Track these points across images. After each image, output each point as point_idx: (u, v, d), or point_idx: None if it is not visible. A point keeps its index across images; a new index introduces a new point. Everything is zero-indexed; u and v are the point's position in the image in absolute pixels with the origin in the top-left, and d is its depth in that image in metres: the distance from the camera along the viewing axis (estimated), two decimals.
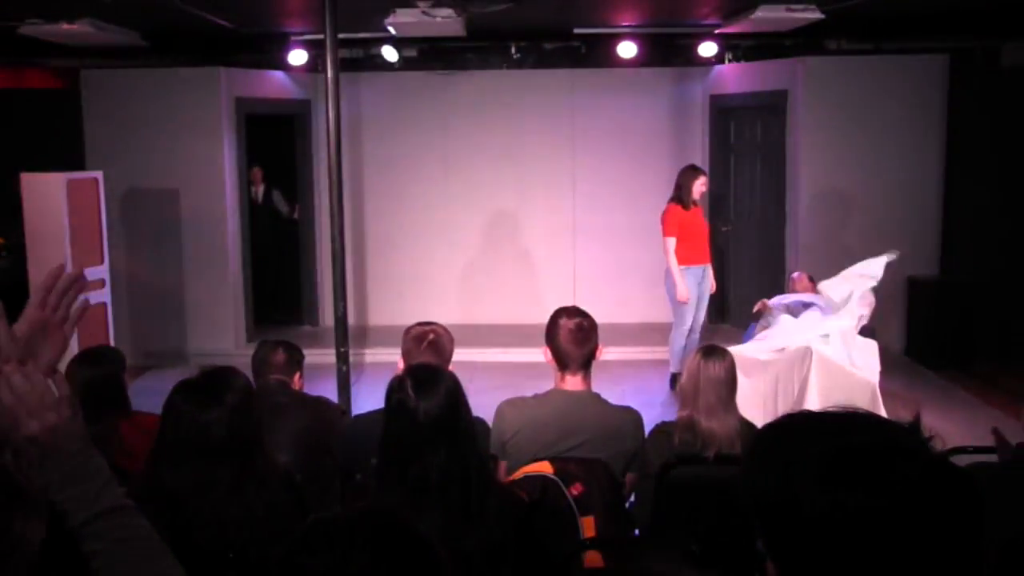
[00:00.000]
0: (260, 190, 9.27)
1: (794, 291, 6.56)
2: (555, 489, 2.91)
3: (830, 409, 1.15)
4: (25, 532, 1.43)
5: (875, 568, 1.01)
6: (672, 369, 7.20)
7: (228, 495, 2.33)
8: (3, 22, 6.63)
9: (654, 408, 6.75)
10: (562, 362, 3.22)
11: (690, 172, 7.10)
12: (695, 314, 7.14)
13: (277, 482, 2.50)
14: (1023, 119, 7.91)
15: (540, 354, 3.33)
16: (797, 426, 1.15)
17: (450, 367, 3.14)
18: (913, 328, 8.20)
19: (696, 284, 7.09)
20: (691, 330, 7.17)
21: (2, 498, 1.40)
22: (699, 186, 7.04)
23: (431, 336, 3.34)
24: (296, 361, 3.83)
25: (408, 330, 3.46)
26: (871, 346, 5.89)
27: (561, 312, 3.32)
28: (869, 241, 8.22)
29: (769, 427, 1.17)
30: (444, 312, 9.03)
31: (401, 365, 3.36)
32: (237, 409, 2.39)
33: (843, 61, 8.37)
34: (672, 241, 6.97)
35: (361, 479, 3.13)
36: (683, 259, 6.99)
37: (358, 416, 3.70)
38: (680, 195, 7.05)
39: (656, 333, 8.64)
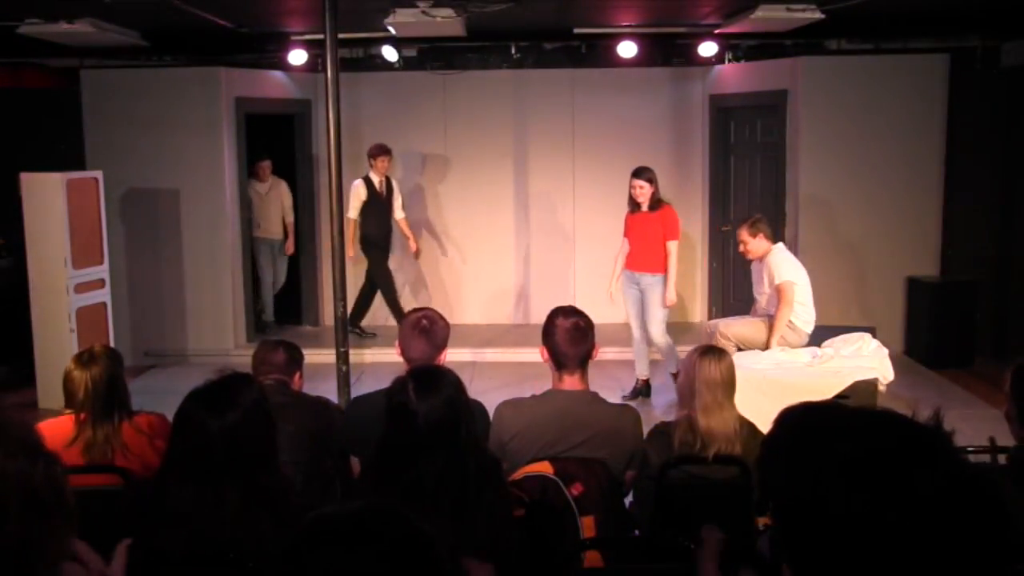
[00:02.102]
0: (382, 181, 8.41)
1: (745, 252, 6.36)
2: (555, 489, 2.91)
3: (856, 407, 1.11)
4: (44, 540, 1.44)
5: (894, 571, 0.99)
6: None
7: (235, 515, 2.28)
8: (3, 22, 6.63)
9: (654, 408, 6.77)
10: (559, 362, 3.22)
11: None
12: (636, 320, 6.94)
13: (286, 497, 2.45)
14: (1023, 119, 7.91)
15: (540, 354, 3.33)
16: (821, 422, 1.11)
17: (448, 364, 3.14)
18: (913, 328, 8.20)
19: (630, 289, 6.91)
20: (642, 338, 6.98)
21: (19, 506, 1.41)
22: (633, 190, 6.81)
23: (423, 323, 3.32)
24: (296, 361, 3.83)
25: (407, 315, 3.50)
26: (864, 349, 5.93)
27: (558, 312, 3.31)
28: (869, 241, 8.25)
29: (790, 421, 1.13)
30: (444, 312, 9.03)
31: (398, 351, 3.37)
32: (241, 425, 2.34)
33: (843, 61, 8.37)
34: (623, 242, 6.96)
35: (359, 467, 3.13)
36: (625, 262, 6.93)
37: (358, 398, 3.69)
38: None
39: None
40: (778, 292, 6.13)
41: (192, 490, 2.27)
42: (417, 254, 8.79)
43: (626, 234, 6.94)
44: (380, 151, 8.33)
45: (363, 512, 1.22)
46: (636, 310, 6.91)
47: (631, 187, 6.81)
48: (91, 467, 3.20)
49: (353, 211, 8.25)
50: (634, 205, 6.85)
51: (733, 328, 6.40)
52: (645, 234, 6.81)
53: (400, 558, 1.16)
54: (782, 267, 6.20)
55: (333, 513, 1.23)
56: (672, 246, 6.75)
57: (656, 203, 6.79)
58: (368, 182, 8.34)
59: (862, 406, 1.12)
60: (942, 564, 0.98)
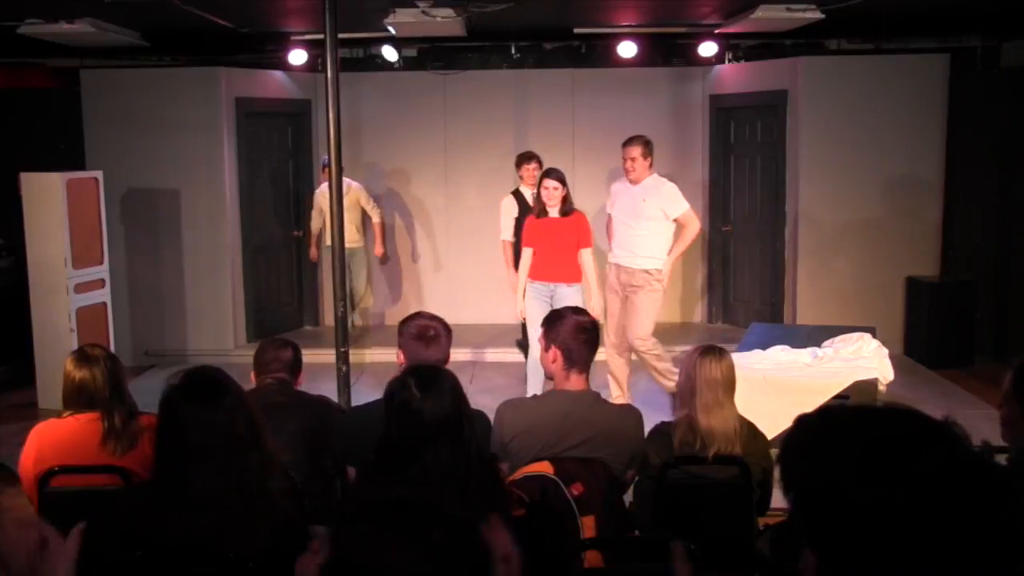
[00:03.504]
0: (536, 194, 7.32)
1: (631, 170, 6.28)
2: (555, 489, 2.91)
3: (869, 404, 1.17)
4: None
5: (918, 556, 1.02)
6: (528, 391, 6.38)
7: (255, 491, 2.33)
8: (3, 22, 6.63)
9: (654, 408, 6.76)
10: (570, 359, 3.23)
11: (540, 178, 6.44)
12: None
13: (280, 472, 2.52)
14: (1023, 119, 7.91)
15: (545, 359, 3.34)
16: (838, 417, 1.16)
17: (451, 366, 3.14)
18: (913, 328, 8.20)
19: (540, 301, 6.28)
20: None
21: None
22: (544, 191, 6.26)
23: (431, 332, 3.31)
24: (300, 362, 3.84)
25: (407, 323, 3.37)
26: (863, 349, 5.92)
27: (569, 311, 3.39)
28: (869, 241, 8.25)
29: (809, 419, 1.18)
30: (444, 312, 9.02)
31: (401, 359, 3.35)
32: (241, 404, 2.40)
33: (843, 61, 8.37)
34: (525, 252, 6.39)
35: (355, 475, 3.12)
36: (531, 272, 6.34)
37: (354, 408, 3.69)
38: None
39: (655, 334, 8.63)
40: (686, 220, 6.27)
41: (215, 468, 2.27)
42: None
43: (530, 242, 6.35)
44: (525, 159, 7.41)
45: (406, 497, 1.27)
46: None
47: (541, 187, 6.27)
48: (91, 467, 3.20)
49: (506, 231, 7.29)
50: (541, 210, 6.31)
51: (641, 331, 6.32)
52: (558, 242, 6.28)
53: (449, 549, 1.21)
54: (679, 198, 6.28)
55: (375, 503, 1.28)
56: (587, 254, 6.31)
57: (569, 208, 6.31)
58: (518, 196, 7.37)
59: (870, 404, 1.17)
60: (955, 546, 1.02)
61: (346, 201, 7.99)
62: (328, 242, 7.96)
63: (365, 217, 8.50)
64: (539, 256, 6.30)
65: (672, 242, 6.35)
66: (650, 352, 6.38)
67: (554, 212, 6.27)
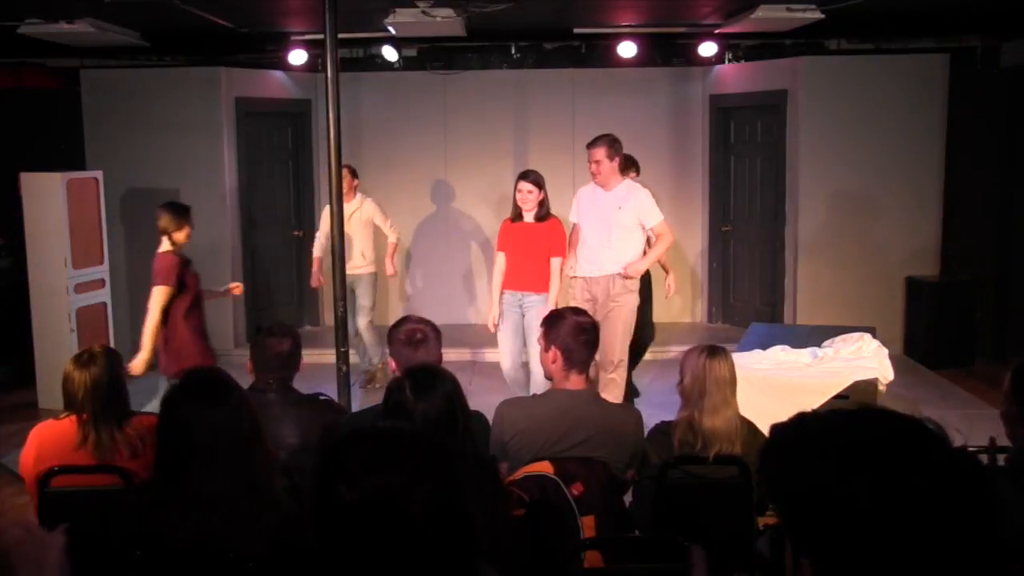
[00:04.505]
0: None
1: (597, 173, 5.83)
2: (555, 489, 2.91)
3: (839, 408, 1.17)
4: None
5: (905, 550, 1.03)
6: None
7: (262, 489, 2.33)
8: (3, 22, 6.63)
9: (653, 408, 6.75)
10: (570, 360, 3.24)
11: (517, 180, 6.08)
12: (521, 347, 6.08)
13: (280, 471, 2.53)
14: (1023, 119, 7.91)
15: (545, 360, 3.34)
16: (812, 424, 1.16)
17: (447, 364, 3.14)
18: (913, 328, 8.20)
19: (511, 313, 6.02)
20: (526, 364, 6.09)
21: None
22: (519, 194, 5.97)
23: (417, 335, 3.29)
24: (299, 347, 3.67)
25: (396, 329, 3.35)
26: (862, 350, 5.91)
27: (569, 311, 3.40)
28: (869, 241, 8.25)
29: (783, 429, 1.17)
30: (445, 312, 9.05)
31: (393, 366, 3.34)
32: (244, 403, 2.40)
33: (843, 61, 8.37)
34: (499, 257, 6.15)
35: None
36: (505, 280, 6.06)
37: (354, 414, 3.68)
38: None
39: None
40: (661, 232, 5.92)
41: (223, 467, 2.27)
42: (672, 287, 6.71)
43: (503, 247, 6.09)
44: (629, 164, 6.60)
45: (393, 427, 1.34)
46: (515, 337, 6.03)
47: (518, 191, 5.96)
48: (92, 467, 3.20)
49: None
50: (516, 213, 6.04)
51: (620, 351, 5.92)
52: (530, 248, 5.98)
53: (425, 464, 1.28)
54: (654, 208, 5.93)
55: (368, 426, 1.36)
56: (556, 264, 5.98)
57: (545, 214, 6.02)
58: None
59: (845, 407, 1.18)
60: (941, 539, 1.03)
61: (359, 218, 7.41)
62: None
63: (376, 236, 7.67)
64: (510, 263, 6.05)
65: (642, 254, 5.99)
66: (621, 378, 5.94)
67: (529, 217, 6.00)
